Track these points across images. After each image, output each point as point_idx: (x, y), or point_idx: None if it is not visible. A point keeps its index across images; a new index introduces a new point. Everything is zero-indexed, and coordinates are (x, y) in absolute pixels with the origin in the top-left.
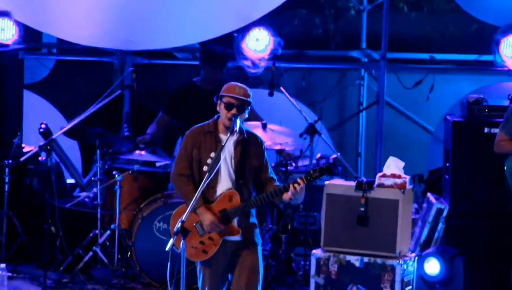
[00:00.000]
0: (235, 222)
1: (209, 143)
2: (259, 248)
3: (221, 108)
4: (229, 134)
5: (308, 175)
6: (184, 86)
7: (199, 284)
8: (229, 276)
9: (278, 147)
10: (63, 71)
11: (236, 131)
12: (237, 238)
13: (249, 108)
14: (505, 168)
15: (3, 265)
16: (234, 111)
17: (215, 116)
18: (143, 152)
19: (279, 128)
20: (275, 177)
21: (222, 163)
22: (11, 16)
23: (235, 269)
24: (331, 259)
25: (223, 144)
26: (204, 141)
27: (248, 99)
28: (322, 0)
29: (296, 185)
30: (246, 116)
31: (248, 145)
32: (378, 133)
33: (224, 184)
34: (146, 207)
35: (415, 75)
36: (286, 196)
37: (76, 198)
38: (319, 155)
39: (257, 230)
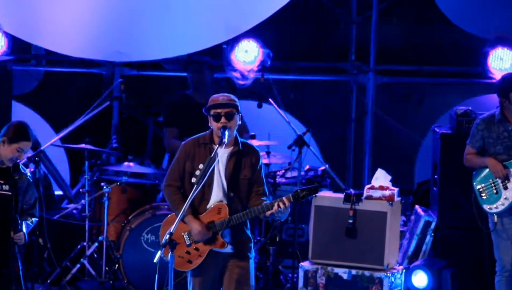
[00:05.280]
0: (226, 235)
1: (203, 155)
2: (251, 262)
3: (211, 121)
4: (217, 146)
5: (296, 194)
6: (177, 98)
7: None
8: (221, 289)
9: (266, 161)
10: (52, 83)
11: (224, 142)
12: (228, 250)
13: (239, 114)
14: (473, 183)
15: None
16: (223, 120)
17: (211, 128)
18: (131, 164)
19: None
20: (265, 192)
21: (215, 175)
22: (0, 28)
23: (224, 282)
24: (319, 271)
25: (211, 156)
26: (199, 153)
27: (234, 104)
28: (312, 12)
29: (281, 204)
30: (239, 122)
31: (242, 157)
32: (366, 145)
33: (217, 197)
34: (134, 218)
35: (404, 87)
36: (270, 212)
37: (64, 209)
38: (307, 167)
39: (250, 244)
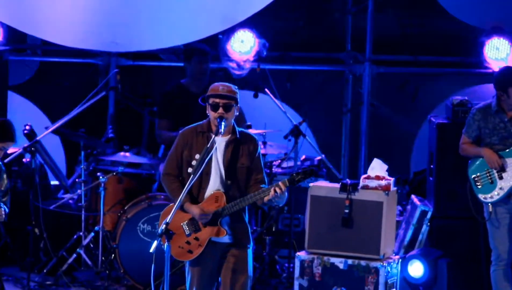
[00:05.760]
0: (224, 224)
1: (201, 143)
2: (249, 250)
3: (208, 109)
4: (214, 135)
5: (292, 178)
6: (172, 88)
7: (187, 285)
8: (219, 278)
9: (262, 151)
10: (47, 73)
11: (221, 132)
12: (226, 240)
13: (237, 106)
14: (469, 172)
15: None
16: (220, 110)
17: (209, 117)
18: (127, 154)
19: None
20: (264, 180)
21: (213, 163)
22: None
23: (222, 272)
24: (315, 261)
25: (207, 146)
26: (196, 141)
27: (234, 96)
28: (307, 2)
29: (277, 189)
30: (236, 113)
31: (240, 145)
32: (362, 134)
33: (214, 185)
34: (130, 208)
35: (399, 77)
36: (267, 198)
37: (60, 199)
38: (303, 157)
39: (248, 233)
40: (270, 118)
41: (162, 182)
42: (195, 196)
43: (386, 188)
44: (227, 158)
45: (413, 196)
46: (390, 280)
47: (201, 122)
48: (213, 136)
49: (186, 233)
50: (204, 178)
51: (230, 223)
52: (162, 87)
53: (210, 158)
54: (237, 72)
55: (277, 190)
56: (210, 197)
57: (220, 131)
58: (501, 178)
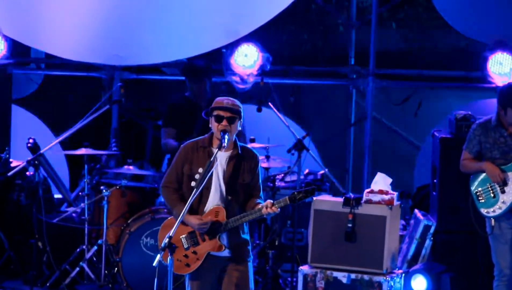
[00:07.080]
0: (224, 238)
1: (202, 158)
2: (250, 264)
3: (212, 122)
4: (217, 149)
5: (293, 196)
6: (178, 100)
7: None
8: None
9: (265, 164)
10: (51, 86)
11: (224, 146)
12: (226, 254)
13: (240, 120)
14: (471, 186)
15: None
16: (224, 123)
17: (211, 131)
18: (131, 167)
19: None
20: (260, 194)
21: (214, 178)
22: (0, 31)
23: (223, 286)
24: (318, 275)
25: (211, 160)
26: (197, 156)
27: (238, 109)
28: (311, 17)
29: (269, 210)
30: (239, 128)
31: (241, 161)
32: (366, 149)
33: (214, 200)
34: (133, 222)
35: (403, 91)
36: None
37: (64, 213)
38: (307, 171)
39: (248, 247)
40: (273, 132)
41: (161, 193)
42: (195, 210)
43: (389, 203)
44: (228, 174)
45: (416, 211)
46: None
47: (202, 137)
48: (216, 150)
49: (185, 247)
50: (204, 192)
51: (229, 238)
52: (165, 100)
53: (211, 173)
54: (240, 86)
55: (270, 211)
56: (210, 211)
57: (223, 145)
58: (503, 192)
